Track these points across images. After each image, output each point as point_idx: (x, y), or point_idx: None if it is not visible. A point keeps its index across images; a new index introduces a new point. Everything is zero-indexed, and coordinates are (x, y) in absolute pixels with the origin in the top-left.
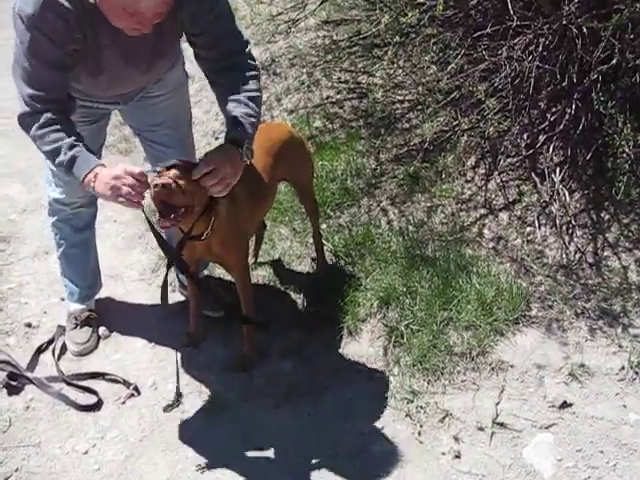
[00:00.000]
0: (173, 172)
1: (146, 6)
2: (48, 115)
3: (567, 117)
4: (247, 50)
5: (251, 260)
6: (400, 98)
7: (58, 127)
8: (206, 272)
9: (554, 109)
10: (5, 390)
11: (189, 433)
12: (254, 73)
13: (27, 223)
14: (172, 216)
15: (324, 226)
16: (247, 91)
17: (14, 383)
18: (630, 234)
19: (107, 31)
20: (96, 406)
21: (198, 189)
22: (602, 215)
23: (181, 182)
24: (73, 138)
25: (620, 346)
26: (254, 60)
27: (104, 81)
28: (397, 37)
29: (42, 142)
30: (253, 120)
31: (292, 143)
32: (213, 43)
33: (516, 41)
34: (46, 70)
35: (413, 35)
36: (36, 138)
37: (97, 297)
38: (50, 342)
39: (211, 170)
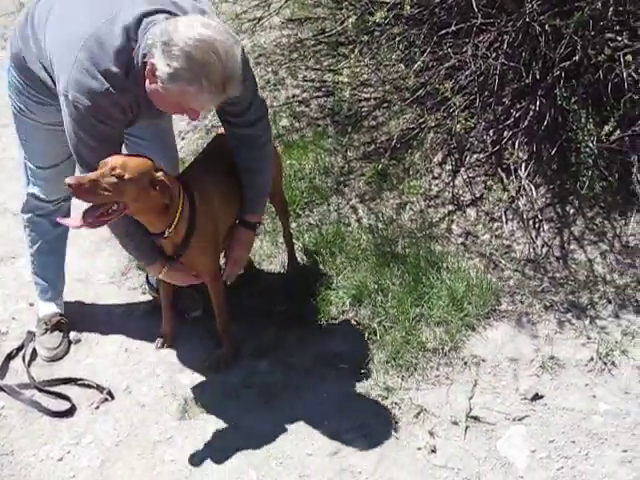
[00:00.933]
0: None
1: (204, 108)
2: None
3: (531, 113)
4: (267, 116)
5: (221, 261)
6: (366, 96)
7: None
8: None
9: (518, 105)
10: None
11: (165, 436)
12: (269, 137)
13: None
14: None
15: (294, 225)
16: (263, 158)
17: None
18: (595, 227)
19: (147, 106)
20: (69, 412)
21: (131, 190)
22: (567, 209)
23: (112, 181)
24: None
25: (588, 337)
26: (269, 125)
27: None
28: (363, 36)
29: None
30: (266, 192)
31: None
32: (239, 112)
33: (480, 39)
34: (102, 146)
35: (378, 33)
36: None
37: (66, 300)
38: (20, 348)
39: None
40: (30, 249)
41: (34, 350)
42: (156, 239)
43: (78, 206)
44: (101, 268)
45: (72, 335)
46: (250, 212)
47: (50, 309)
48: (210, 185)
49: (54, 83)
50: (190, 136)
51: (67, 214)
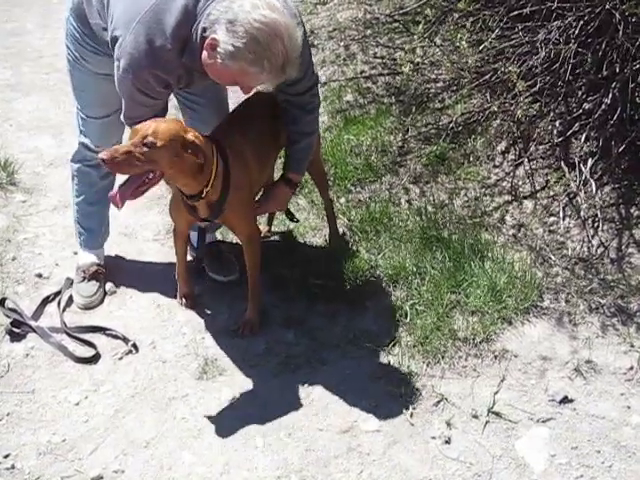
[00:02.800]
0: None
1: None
2: None
3: (603, 107)
4: (316, 85)
5: (265, 228)
6: (434, 77)
7: None
8: (219, 236)
9: (590, 97)
10: (8, 336)
11: (181, 394)
12: (317, 103)
13: (52, 177)
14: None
15: (343, 200)
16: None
17: (17, 330)
18: None
19: (200, 77)
20: (93, 359)
21: (164, 155)
22: (631, 211)
23: (143, 150)
24: None
25: (632, 345)
26: (318, 93)
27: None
28: (433, 11)
29: None
30: (310, 154)
31: None
32: (291, 82)
33: (555, 24)
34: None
35: (451, 13)
36: None
37: (108, 253)
38: (57, 293)
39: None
40: (76, 198)
41: (70, 297)
42: (193, 201)
43: None
44: (147, 225)
45: (108, 286)
46: (294, 171)
47: (89, 259)
48: (242, 143)
49: (111, 41)
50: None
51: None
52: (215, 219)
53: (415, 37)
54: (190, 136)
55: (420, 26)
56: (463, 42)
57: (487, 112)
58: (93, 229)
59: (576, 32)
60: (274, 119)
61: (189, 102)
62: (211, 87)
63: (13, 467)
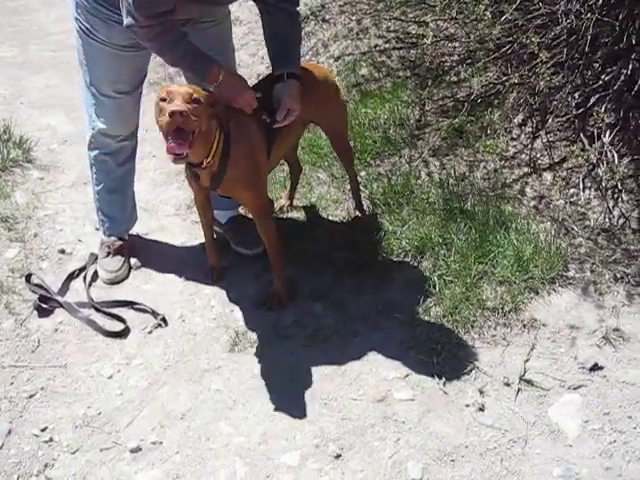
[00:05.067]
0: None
1: None
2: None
3: (622, 78)
4: None
5: (286, 202)
6: (450, 50)
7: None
8: (242, 211)
9: (609, 69)
10: (36, 312)
11: (213, 365)
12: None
13: (67, 153)
14: (187, 141)
15: (363, 173)
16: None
17: (45, 306)
18: None
19: None
20: (122, 333)
21: (205, 112)
22: None
23: (194, 106)
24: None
25: None
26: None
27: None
28: None
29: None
30: (299, 49)
31: (323, 85)
32: None
33: None
34: None
35: None
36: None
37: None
38: (82, 269)
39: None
40: (96, 187)
41: (95, 272)
42: (196, 169)
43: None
44: (168, 200)
45: (133, 261)
46: (290, 65)
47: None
48: (247, 119)
49: None
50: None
51: (132, 155)
52: (214, 190)
53: (432, 9)
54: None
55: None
56: (487, 13)
57: (506, 84)
58: (114, 217)
59: (597, 3)
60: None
61: None
62: (226, 55)
63: (51, 440)
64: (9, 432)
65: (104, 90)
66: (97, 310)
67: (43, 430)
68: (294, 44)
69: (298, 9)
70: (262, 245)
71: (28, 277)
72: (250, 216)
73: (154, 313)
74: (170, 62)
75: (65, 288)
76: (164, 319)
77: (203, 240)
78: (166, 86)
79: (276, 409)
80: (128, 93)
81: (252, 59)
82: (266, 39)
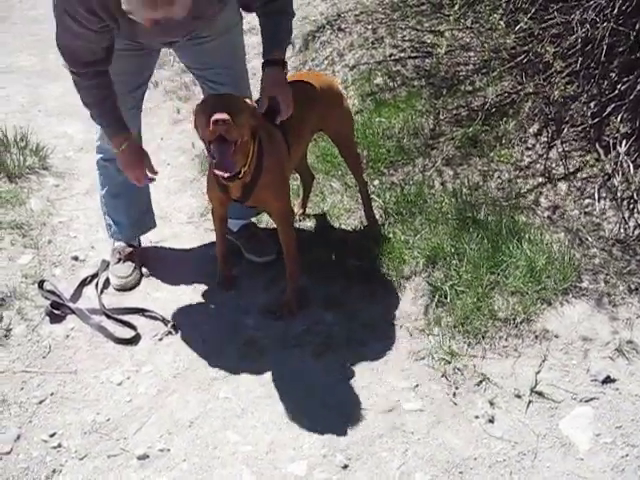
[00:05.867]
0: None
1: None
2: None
3: (638, 87)
4: None
5: (299, 211)
6: (465, 60)
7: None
8: (254, 219)
9: (625, 78)
10: (48, 318)
11: (223, 374)
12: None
13: (83, 161)
14: (231, 152)
15: (376, 182)
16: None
17: (57, 312)
18: None
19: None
20: (133, 340)
21: (247, 121)
22: None
23: (233, 116)
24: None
25: None
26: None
27: (143, 36)
28: None
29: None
30: (289, 35)
31: (328, 93)
32: None
33: (590, 3)
34: (77, 43)
35: None
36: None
37: (143, 236)
38: (94, 276)
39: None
40: (101, 191)
41: (107, 279)
42: (230, 181)
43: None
44: (181, 208)
45: (144, 270)
46: (279, 49)
47: (123, 243)
48: (272, 126)
49: None
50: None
51: None
52: (245, 201)
53: (447, 19)
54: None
55: (456, 6)
56: (501, 22)
57: (522, 94)
58: (120, 221)
59: (613, 12)
60: (308, 104)
61: (213, 88)
62: (232, 68)
63: (60, 445)
64: (18, 437)
65: None
66: (108, 317)
67: (52, 436)
68: (280, 34)
69: (293, 15)
70: (273, 253)
71: (41, 283)
72: (261, 225)
73: (164, 320)
74: (90, 113)
75: (77, 294)
76: (174, 326)
77: (215, 248)
78: (207, 95)
79: (284, 418)
80: (122, 95)
81: None
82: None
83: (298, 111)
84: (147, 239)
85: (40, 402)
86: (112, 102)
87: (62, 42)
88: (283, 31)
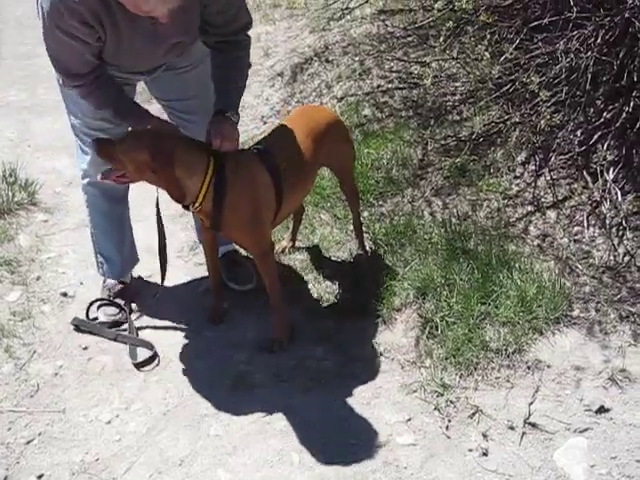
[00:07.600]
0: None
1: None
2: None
3: (624, 115)
4: (249, 26)
5: (289, 244)
6: (452, 90)
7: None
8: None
9: (611, 106)
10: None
11: (213, 410)
12: (247, 44)
13: (71, 196)
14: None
15: (366, 214)
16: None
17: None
18: None
19: (124, 15)
20: (152, 360)
21: (128, 157)
22: None
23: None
24: None
25: None
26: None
27: (126, 57)
28: (450, 23)
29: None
30: (241, 87)
31: (336, 128)
32: (224, 21)
33: (574, 34)
34: (73, 59)
35: (467, 25)
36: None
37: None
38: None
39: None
40: (91, 228)
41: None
42: (187, 210)
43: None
44: (170, 242)
45: (133, 306)
46: (233, 109)
47: (114, 280)
48: (252, 166)
49: None
50: (272, 120)
51: (122, 195)
52: (218, 231)
53: (433, 50)
54: (165, 147)
55: (442, 38)
56: (486, 53)
57: (508, 123)
58: (111, 259)
59: (597, 41)
60: (315, 141)
61: (183, 119)
62: (205, 98)
63: None
64: (5, 479)
65: (87, 119)
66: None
67: (40, 477)
68: (231, 94)
69: (248, 42)
70: (253, 282)
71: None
72: (244, 253)
73: (147, 344)
74: (113, 115)
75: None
76: (156, 353)
77: (204, 282)
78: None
79: (275, 455)
80: (104, 131)
81: (256, 100)
82: (212, 74)
83: (306, 148)
84: (135, 273)
85: (28, 442)
86: (124, 94)
87: (59, 64)
88: (234, 90)
